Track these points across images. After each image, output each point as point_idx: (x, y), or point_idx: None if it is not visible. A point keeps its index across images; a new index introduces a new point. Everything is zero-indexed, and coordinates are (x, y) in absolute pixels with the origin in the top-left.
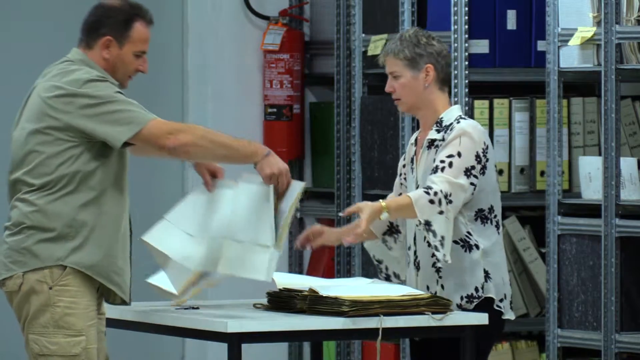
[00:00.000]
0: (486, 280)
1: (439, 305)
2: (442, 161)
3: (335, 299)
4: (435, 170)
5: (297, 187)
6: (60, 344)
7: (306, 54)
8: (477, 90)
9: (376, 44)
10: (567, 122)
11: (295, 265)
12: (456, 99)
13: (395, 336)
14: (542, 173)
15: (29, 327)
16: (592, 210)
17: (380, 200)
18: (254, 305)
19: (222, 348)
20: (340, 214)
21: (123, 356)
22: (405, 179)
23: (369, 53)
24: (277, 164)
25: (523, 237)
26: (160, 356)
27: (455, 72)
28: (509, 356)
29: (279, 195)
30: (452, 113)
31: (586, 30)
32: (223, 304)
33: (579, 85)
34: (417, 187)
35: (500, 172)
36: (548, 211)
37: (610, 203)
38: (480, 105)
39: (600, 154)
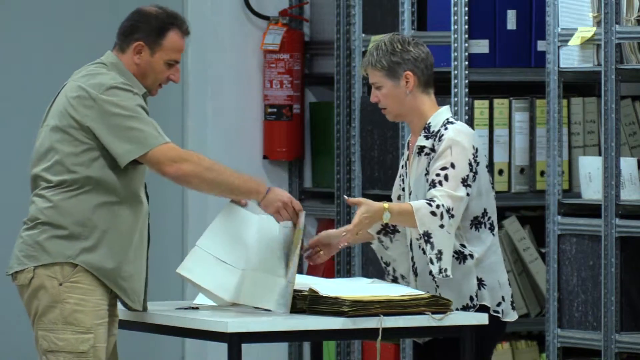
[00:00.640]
0: (480, 288)
1: (438, 305)
2: (437, 174)
3: (335, 299)
4: (433, 184)
5: (301, 217)
6: (69, 341)
7: (306, 54)
8: (477, 90)
9: None
10: (567, 122)
11: None
12: (456, 99)
13: (395, 336)
14: (542, 173)
15: (39, 323)
16: (592, 210)
17: (384, 202)
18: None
19: (222, 348)
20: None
21: (123, 356)
22: (403, 181)
23: None
24: (281, 198)
25: (523, 237)
26: (160, 356)
27: (455, 72)
28: (509, 356)
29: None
30: (439, 117)
31: (586, 30)
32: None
33: (579, 85)
34: (409, 194)
35: (500, 172)
36: (548, 211)
37: (610, 203)
38: (480, 105)
39: (600, 154)
